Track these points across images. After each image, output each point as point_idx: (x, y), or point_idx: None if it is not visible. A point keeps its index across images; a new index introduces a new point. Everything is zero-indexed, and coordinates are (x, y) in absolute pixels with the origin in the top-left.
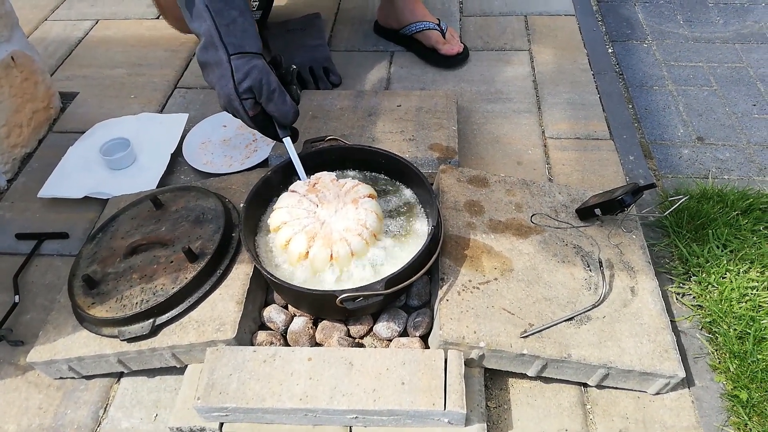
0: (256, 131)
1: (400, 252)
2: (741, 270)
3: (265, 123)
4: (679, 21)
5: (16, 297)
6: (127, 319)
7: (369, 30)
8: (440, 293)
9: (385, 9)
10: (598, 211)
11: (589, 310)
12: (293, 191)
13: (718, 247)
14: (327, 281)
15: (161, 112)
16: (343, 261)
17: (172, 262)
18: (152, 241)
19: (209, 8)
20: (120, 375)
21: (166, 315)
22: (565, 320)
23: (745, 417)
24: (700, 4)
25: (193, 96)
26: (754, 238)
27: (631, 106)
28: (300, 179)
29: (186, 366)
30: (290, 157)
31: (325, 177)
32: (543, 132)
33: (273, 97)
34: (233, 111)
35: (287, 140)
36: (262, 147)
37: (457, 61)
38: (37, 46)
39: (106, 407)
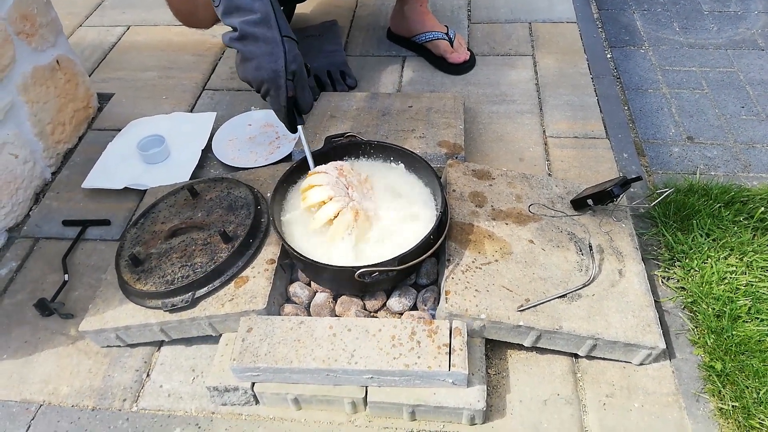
0: (274, 121)
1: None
2: (721, 256)
3: (289, 108)
4: (675, 28)
5: (66, 276)
6: (170, 292)
7: (382, 36)
8: (446, 272)
9: (396, 18)
10: (590, 201)
11: (579, 289)
12: (325, 172)
13: (701, 236)
14: (366, 252)
15: (191, 111)
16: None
17: (208, 243)
18: (190, 225)
19: None
20: (160, 344)
21: (205, 288)
22: (558, 297)
23: (719, 385)
24: (696, 12)
25: (220, 97)
26: (735, 228)
27: (626, 108)
28: (309, 166)
29: (221, 335)
30: (303, 144)
31: (347, 165)
32: (544, 131)
33: (305, 85)
34: (275, 87)
35: (300, 128)
36: (284, 144)
37: (464, 68)
38: (75, 50)
39: (148, 372)
